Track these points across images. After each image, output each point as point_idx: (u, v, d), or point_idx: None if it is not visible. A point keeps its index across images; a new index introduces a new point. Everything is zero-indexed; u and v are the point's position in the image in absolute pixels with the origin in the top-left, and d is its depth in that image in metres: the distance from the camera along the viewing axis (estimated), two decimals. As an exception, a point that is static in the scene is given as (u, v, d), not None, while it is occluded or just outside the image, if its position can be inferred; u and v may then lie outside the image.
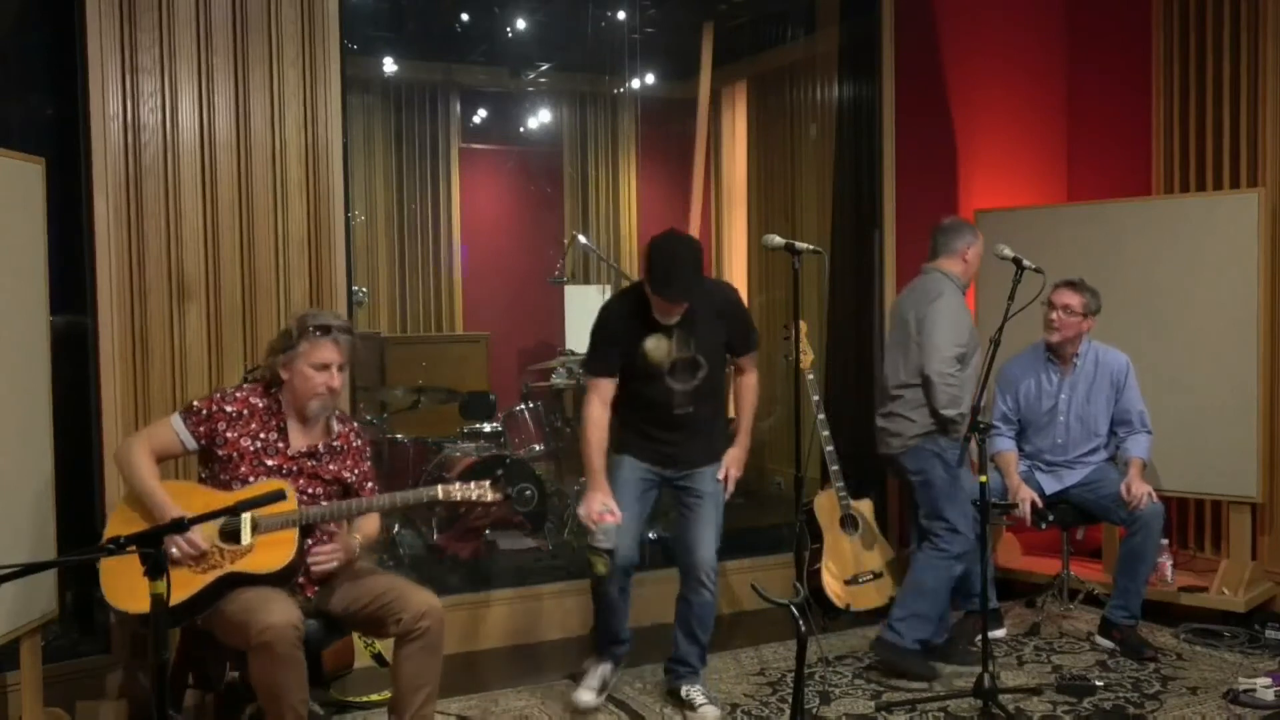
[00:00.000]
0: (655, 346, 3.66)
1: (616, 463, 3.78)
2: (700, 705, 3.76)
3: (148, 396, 3.82)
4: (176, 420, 3.16)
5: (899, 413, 4.17)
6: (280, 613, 2.89)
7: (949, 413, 4.05)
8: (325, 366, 3.17)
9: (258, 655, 2.88)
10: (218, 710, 3.39)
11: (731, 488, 3.86)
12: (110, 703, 3.67)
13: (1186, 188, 5.22)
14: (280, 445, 3.19)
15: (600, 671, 3.89)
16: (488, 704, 3.90)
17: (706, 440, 3.81)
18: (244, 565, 3.02)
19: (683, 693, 3.82)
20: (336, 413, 3.33)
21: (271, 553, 3.04)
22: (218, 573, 3.00)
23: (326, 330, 3.18)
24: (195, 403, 3.20)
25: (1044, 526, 4.47)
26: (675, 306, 3.60)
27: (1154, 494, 4.33)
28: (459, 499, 3.22)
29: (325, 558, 3.14)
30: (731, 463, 3.85)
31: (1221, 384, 4.70)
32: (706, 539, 3.75)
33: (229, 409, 3.17)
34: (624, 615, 3.87)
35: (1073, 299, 4.41)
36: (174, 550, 2.95)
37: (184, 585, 2.96)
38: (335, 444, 3.28)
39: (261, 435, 3.18)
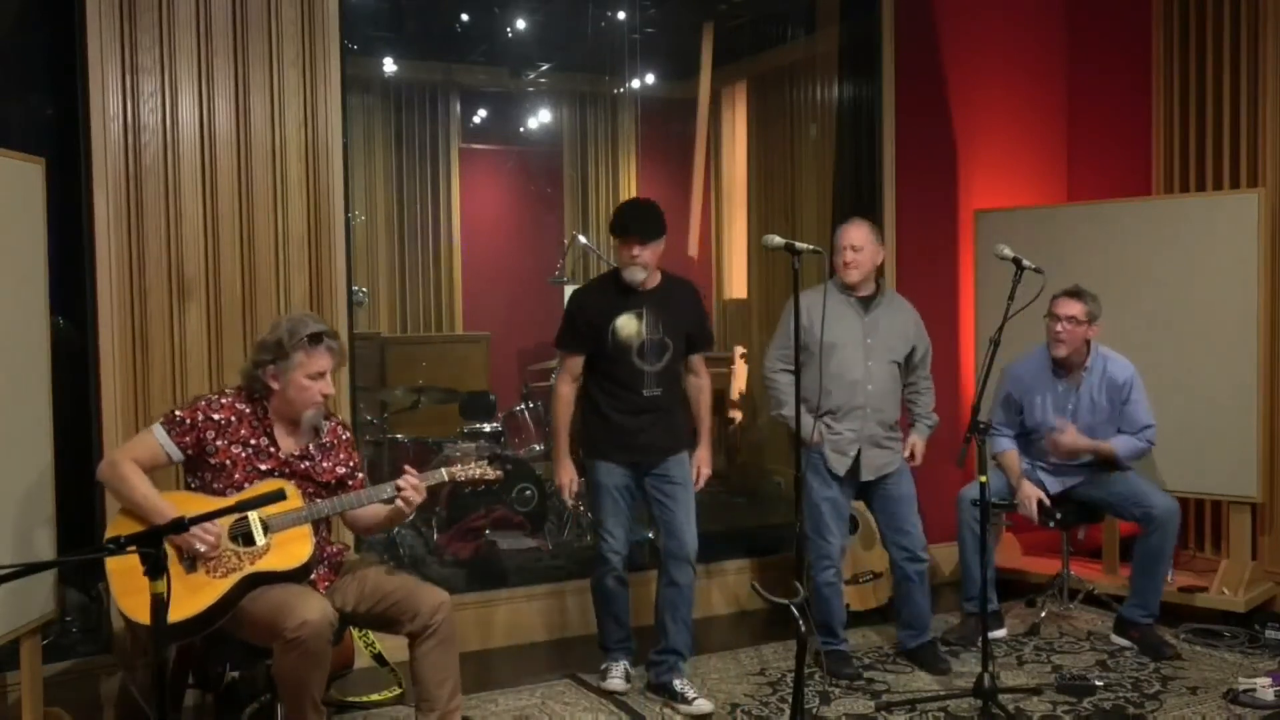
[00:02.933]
0: (626, 324, 3.85)
1: (592, 467, 3.94)
2: (694, 699, 3.81)
3: (148, 396, 3.81)
4: (159, 432, 3.08)
5: None
6: (315, 609, 2.91)
7: (773, 412, 4.24)
8: (320, 375, 3.14)
9: (290, 650, 2.87)
10: (218, 710, 3.39)
11: (702, 483, 4.05)
12: (110, 702, 3.67)
13: (1186, 188, 5.22)
14: (271, 450, 3.16)
15: (620, 668, 4.02)
16: (488, 704, 3.90)
17: (671, 425, 3.95)
18: (264, 564, 3.01)
19: (675, 686, 3.85)
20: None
21: (289, 549, 3.04)
22: (239, 575, 2.98)
23: (318, 339, 3.14)
24: (177, 412, 3.12)
25: (1052, 525, 4.47)
26: (645, 249, 3.79)
27: (1087, 450, 4.39)
28: (463, 479, 3.24)
29: (416, 486, 3.13)
30: (702, 462, 4.05)
31: (1221, 384, 4.70)
32: (690, 522, 3.93)
33: (216, 417, 3.11)
34: (626, 608, 4.01)
35: (1075, 308, 4.31)
36: (198, 545, 2.93)
37: (207, 591, 2.95)
38: (325, 442, 3.26)
39: (252, 441, 3.14)
